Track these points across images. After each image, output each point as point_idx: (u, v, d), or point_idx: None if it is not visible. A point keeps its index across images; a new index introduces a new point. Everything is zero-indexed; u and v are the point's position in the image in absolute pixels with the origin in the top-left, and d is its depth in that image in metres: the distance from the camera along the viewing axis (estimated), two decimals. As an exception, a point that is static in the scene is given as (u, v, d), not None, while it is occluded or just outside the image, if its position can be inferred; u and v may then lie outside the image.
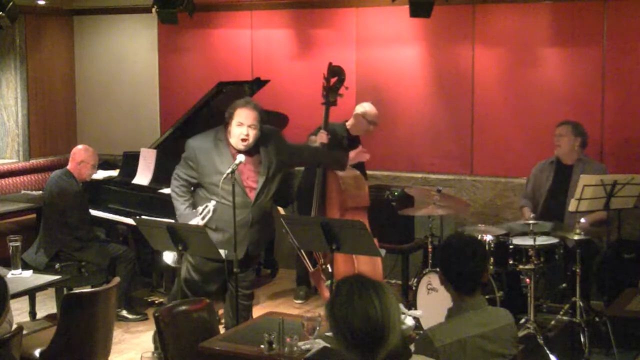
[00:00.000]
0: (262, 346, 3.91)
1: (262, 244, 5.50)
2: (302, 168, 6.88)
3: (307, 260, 6.11)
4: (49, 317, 5.86)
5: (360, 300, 2.39)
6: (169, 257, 5.15)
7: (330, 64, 6.14)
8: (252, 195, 5.14)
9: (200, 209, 5.10)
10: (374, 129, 6.86)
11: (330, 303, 2.46)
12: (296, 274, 7.08)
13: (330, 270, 5.35)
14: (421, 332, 3.69)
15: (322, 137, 6.10)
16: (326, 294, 5.80)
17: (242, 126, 5.05)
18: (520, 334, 5.17)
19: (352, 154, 5.77)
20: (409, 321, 3.99)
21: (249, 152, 5.14)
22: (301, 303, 6.89)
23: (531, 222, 5.49)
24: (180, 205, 5.19)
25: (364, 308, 2.38)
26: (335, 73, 6.14)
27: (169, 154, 6.78)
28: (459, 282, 3.25)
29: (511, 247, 5.60)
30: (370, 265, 5.62)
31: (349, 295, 2.41)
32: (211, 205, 5.04)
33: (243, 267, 5.24)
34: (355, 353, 2.41)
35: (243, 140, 5.06)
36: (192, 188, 5.25)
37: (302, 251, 5.95)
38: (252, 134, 5.07)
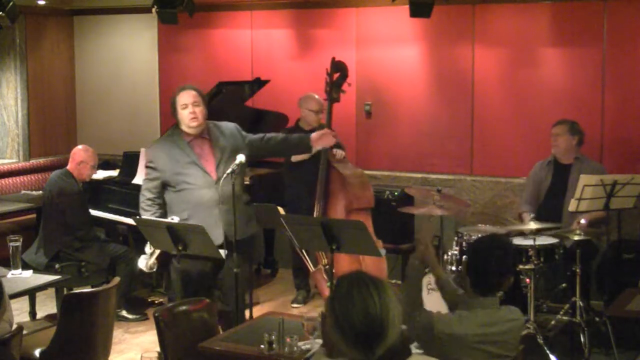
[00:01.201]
0: (262, 346, 3.91)
1: (242, 230, 5.40)
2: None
3: (309, 260, 6.10)
4: (49, 317, 5.87)
5: (360, 296, 2.41)
6: (142, 262, 5.21)
7: (333, 58, 6.10)
8: (214, 176, 5.27)
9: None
10: (321, 116, 6.60)
11: (330, 299, 2.48)
12: (294, 279, 6.95)
13: (333, 270, 5.33)
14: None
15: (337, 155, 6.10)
16: (327, 293, 5.80)
17: (186, 107, 5.26)
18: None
19: (314, 135, 5.53)
20: (409, 321, 3.99)
21: (206, 138, 5.34)
22: (298, 307, 6.77)
23: (532, 226, 5.48)
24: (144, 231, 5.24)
25: (364, 303, 2.40)
26: (338, 68, 6.08)
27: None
28: (477, 279, 3.30)
29: (511, 247, 5.60)
30: (375, 266, 5.62)
31: (349, 291, 2.43)
32: (176, 219, 5.13)
33: (230, 258, 5.28)
34: (354, 349, 2.42)
35: (192, 119, 5.25)
36: (160, 200, 5.30)
37: (304, 251, 5.95)
38: (198, 110, 5.27)
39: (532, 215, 5.94)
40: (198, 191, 5.16)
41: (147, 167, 5.39)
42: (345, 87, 6.11)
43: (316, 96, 6.63)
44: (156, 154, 5.34)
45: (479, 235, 3.49)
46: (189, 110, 5.27)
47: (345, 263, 5.61)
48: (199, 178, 5.14)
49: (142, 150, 7.22)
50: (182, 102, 5.29)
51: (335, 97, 6.10)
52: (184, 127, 5.31)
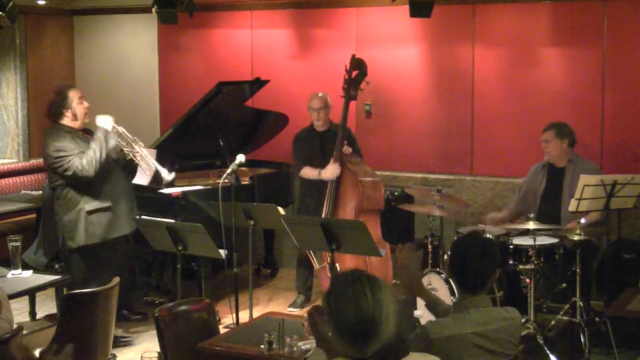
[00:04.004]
0: (262, 346, 3.92)
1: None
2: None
3: (314, 258, 6.10)
4: (49, 317, 5.87)
5: (354, 293, 2.46)
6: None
7: (353, 55, 6.08)
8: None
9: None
10: (323, 114, 6.49)
11: (326, 295, 2.52)
12: (297, 280, 6.83)
13: (335, 270, 5.33)
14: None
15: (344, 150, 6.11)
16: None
17: (82, 101, 5.60)
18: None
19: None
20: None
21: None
22: (294, 311, 6.57)
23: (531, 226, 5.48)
24: (94, 146, 5.52)
25: (357, 300, 2.44)
26: (358, 66, 6.05)
27: (169, 154, 6.78)
28: (462, 279, 3.30)
29: (511, 247, 5.60)
30: (381, 268, 5.62)
31: (344, 288, 2.48)
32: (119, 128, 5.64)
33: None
34: (348, 345, 2.46)
35: (87, 113, 5.64)
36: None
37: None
38: None
39: (531, 215, 5.94)
40: (112, 186, 5.63)
41: (73, 155, 5.48)
42: (363, 85, 6.07)
43: (320, 94, 6.52)
44: (70, 145, 5.50)
45: (456, 239, 3.49)
46: (85, 105, 5.57)
47: (351, 265, 5.60)
48: (115, 173, 5.64)
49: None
50: (79, 96, 5.55)
51: (353, 95, 6.06)
52: (75, 123, 5.56)
